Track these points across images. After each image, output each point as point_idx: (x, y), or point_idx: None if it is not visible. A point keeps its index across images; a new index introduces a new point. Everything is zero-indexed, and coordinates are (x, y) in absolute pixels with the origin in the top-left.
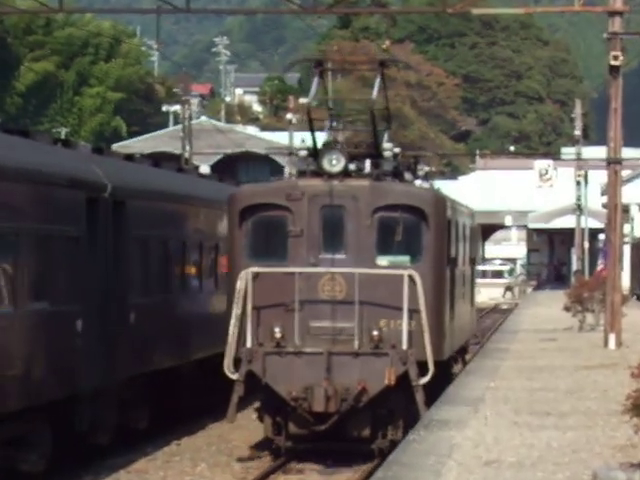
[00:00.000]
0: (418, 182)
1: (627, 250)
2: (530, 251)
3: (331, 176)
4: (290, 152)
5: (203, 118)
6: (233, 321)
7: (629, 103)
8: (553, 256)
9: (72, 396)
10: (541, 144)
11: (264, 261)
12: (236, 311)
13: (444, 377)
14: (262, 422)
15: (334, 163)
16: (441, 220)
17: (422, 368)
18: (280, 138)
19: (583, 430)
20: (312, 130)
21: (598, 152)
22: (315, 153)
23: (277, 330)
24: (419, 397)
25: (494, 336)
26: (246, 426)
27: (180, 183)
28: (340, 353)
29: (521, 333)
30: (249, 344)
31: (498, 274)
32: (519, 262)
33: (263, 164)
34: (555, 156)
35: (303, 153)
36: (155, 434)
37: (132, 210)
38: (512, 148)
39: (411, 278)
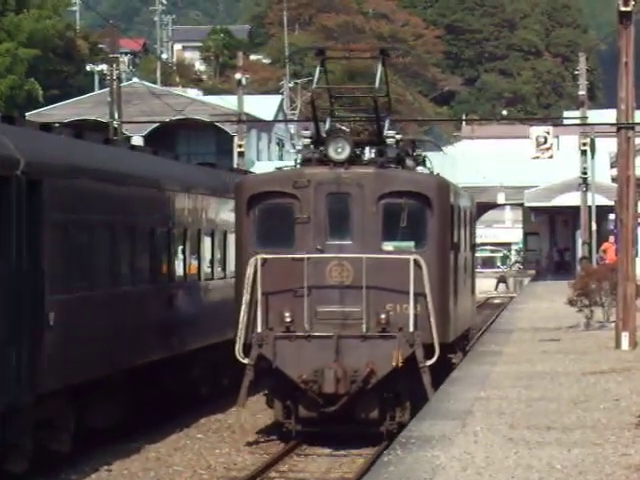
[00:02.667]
0: (420, 168)
1: None
2: (527, 235)
3: (337, 164)
4: (239, 120)
5: (135, 80)
6: (243, 307)
7: None
8: (554, 240)
9: None
10: (539, 107)
11: (272, 248)
12: (246, 297)
13: (444, 365)
14: (271, 407)
15: (339, 151)
16: (445, 206)
17: (428, 351)
18: (228, 103)
19: (591, 447)
20: (315, 118)
21: (607, 116)
22: (318, 141)
23: (287, 314)
24: (426, 379)
25: (484, 337)
26: (189, 447)
27: (108, 158)
28: (349, 336)
29: (517, 333)
30: (259, 329)
31: (489, 262)
32: (514, 248)
33: (208, 134)
34: (556, 121)
35: (307, 141)
36: (80, 458)
37: (50, 190)
38: (504, 112)
39: (417, 263)
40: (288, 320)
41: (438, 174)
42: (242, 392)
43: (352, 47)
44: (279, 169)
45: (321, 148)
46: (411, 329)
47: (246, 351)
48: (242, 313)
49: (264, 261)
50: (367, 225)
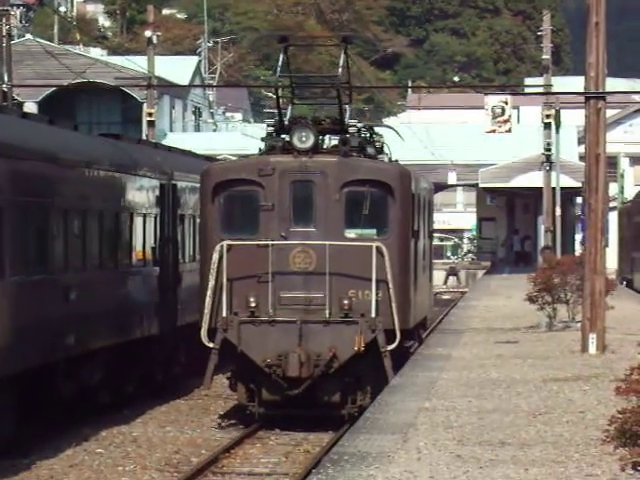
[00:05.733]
0: (380, 156)
1: (613, 218)
2: (482, 220)
3: (301, 152)
4: (149, 84)
5: (28, 36)
6: (209, 292)
7: (618, 17)
8: (513, 227)
9: None
10: (496, 73)
11: (236, 235)
12: (211, 282)
13: (401, 351)
14: (235, 391)
15: (304, 140)
16: (406, 194)
17: (389, 336)
18: (136, 64)
19: (552, 466)
20: (279, 108)
21: (575, 84)
22: (282, 129)
23: (251, 300)
24: (387, 363)
25: (430, 338)
26: (87, 464)
27: None
28: (312, 321)
29: (468, 333)
30: (224, 313)
31: (438, 252)
32: (467, 235)
33: (112, 99)
34: (515, 89)
35: (270, 129)
36: None
37: None
38: (456, 78)
39: (379, 250)
40: (252, 305)
41: (397, 161)
42: (207, 375)
43: (315, 36)
44: (244, 157)
45: (284, 136)
46: (373, 315)
47: (211, 335)
48: (207, 298)
49: (229, 247)
50: (330, 213)
